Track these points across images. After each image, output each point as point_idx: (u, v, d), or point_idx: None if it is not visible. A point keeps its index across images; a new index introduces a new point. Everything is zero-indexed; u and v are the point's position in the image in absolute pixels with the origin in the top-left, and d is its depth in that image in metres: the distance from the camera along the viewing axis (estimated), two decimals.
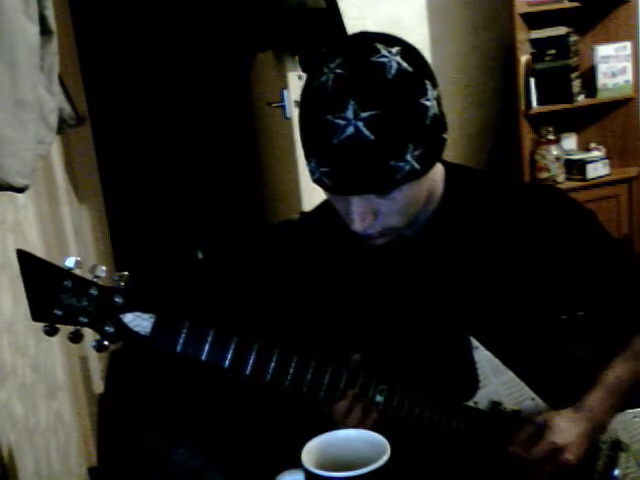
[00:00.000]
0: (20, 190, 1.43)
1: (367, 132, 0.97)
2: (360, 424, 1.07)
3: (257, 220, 4.29)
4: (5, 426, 1.57)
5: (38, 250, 2.17)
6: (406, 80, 0.99)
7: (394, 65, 0.99)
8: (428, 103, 1.01)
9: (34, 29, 1.50)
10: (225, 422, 2.65)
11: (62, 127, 2.11)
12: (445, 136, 1.07)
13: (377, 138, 0.97)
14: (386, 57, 0.99)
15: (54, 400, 2.16)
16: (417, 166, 1.02)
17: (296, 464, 0.89)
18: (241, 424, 2.55)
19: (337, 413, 1.09)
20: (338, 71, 0.99)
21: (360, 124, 0.97)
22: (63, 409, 2.29)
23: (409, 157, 1.00)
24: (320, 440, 0.92)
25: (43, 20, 1.59)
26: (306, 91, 1.05)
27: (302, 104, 1.06)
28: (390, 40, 1.03)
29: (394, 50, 1.00)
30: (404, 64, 0.99)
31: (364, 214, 1.06)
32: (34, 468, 1.78)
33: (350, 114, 0.97)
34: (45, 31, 1.61)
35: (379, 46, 1.00)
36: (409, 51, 1.03)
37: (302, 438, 0.91)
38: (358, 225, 1.06)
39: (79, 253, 3.05)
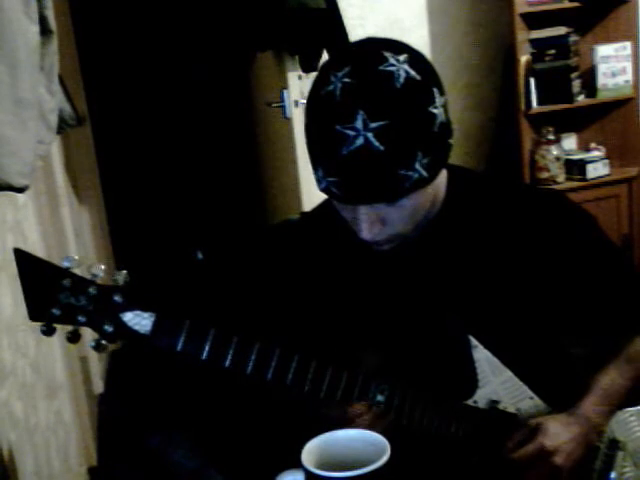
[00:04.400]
0: (20, 190, 1.43)
1: (377, 143, 0.97)
2: (369, 427, 1.07)
3: (257, 220, 4.29)
4: (5, 426, 1.57)
5: (38, 250, 2.17)
6: (414, 89, 0.99)
7: (402, 74, 0.98)
8: (436, 111, 1.01)
9: (34, 29, 1.50)
10: (225, 422, 2.64)
11: (62, 127, 2.12)
12: (451, 141, 1.07)
13: (387, 148, 0.97)
14: (394, 65, 0.99)
15: (54, 400, 2.16)
16: (425, 174, 1.02)
17: (296, 464, 0.89)
18: (241, 424, 2.54)
19: (351, 414, 1.08)
20: (346, 80, 0.99)
21: (370, 135, 0.97)
22: (63, 409, 2.29)
23: (418, 166, 1.00)
24: (320, 440, 0.92)
25: (43, 20, 1.59)
26: (312, 99, 1.04)
27: (308, 112, 1.05)
28: (397, 47, 1.02)
29: (402, 58, 1.00)
30: (412, 72, 0.99)
31: (372, 222, 1.06)
32: (34, 468, 1.79)
33: (359, 125, 0.97)
34: (45, 31, 1.61)
35: (387, 54, 1.00)
36: (416, 58, 1.02)
37: (302, 438, 0.91)
38: (366, 233, 1.06)
39: (79, 253, 3.05)
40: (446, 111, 1.05)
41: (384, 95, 0.98)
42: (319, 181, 1.05)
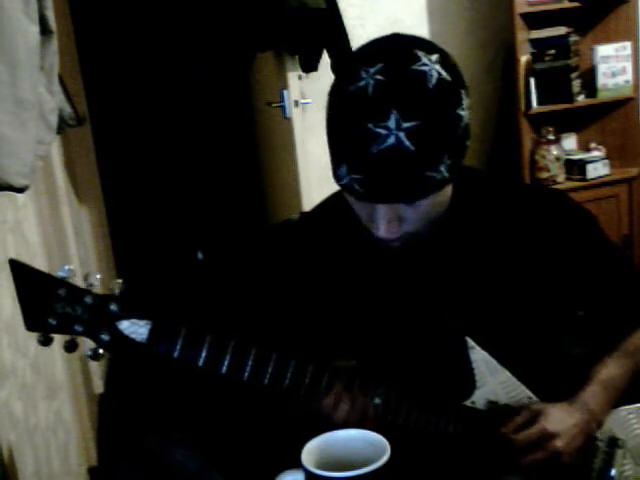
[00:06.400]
0: (20, 190, 1.43)
1: (408, 143, 0.97)
2: (359, 424, 1.07)
3: (257, 220, 4.29)
4: (5, 426, 1.57)
5: (38, 250, 2.17)
6: (446, 90, 0.99)
7: (434, 74, 0.98)
8: (463, 113, 1.01)
9: (34, 29, 1.50)
10: (225, 422, 2.65)
11: (62, 127, 2.11)
12: (469, 143, 1.07)
13: (417, 149, 0.97)
14: (427, 65, 0.98)
15: (54, 400, 2.16)
16: (447, 175, 1.02)
17: (296, 464, 0.89)
18: (241, 424, 2.55)
19: (326, 408, 1.09)
20: (378, 77, 0.98)
21: (402, 134, 0.96)
22: (63, 409, 2.29)
23: (442, 167, 1.00)
24: (320, 440, 0.92)
25: (43, 20, 1.59)
26: (339, 94, 1.03)
27: (334, 107, 1.04)
28: (428, 46, 1.02)
29: (434, 58, 1.00)
30: (443, 73, 0.99)
31: (390, 221, 1.05)
32: (34, 468, 1.78)
33: (392, 124, 0.96)
34: (45, 31, 1.61)
35: (419, 53, 0.99)
36: (447, 59, 1.02)
37: (302, 438, 0.91)
38: (383, 231, 1.06)
39: (79, 253, 3.05)
40: (469, 113, 1.05)
41: (417, 95, 0.97)
42: (340, 177, 1.04)
